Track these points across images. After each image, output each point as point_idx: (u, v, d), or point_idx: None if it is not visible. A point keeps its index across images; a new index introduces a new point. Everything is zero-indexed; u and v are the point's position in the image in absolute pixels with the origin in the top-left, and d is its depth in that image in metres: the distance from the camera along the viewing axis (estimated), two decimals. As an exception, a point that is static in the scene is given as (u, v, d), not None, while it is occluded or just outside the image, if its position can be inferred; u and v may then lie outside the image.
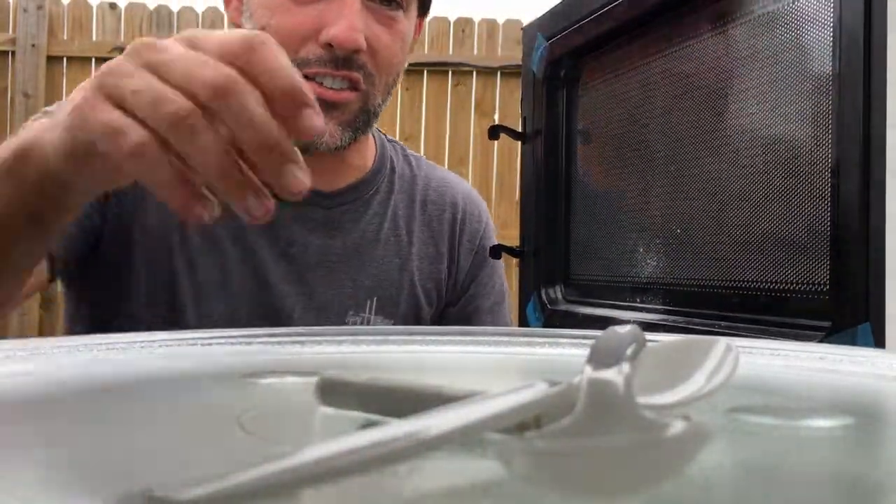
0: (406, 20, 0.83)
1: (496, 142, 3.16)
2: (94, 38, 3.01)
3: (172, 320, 0.82)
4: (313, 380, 0.34)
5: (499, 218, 3.12)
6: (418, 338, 0.48)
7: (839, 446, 0.26)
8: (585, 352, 0.45)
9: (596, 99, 0.86)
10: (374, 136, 0.94)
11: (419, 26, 0.91)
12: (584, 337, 0.48)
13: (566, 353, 0.46)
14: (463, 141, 3.12)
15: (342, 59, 0.78)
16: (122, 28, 3.03)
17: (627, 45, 0.78)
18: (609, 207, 0.83)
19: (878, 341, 0.45)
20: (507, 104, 3.14)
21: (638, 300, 0.75)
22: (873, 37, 0.47)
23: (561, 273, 0.89)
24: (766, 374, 0.39)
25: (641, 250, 0.76)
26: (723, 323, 0.61)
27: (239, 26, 0.84)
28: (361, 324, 0.87)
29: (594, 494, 0.19)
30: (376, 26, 0.79)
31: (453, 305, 0.95)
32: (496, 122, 3.14)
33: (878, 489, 0.21)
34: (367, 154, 0.92)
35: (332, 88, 0.78)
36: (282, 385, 0.34)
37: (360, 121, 0.82)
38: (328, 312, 0.85)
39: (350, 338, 0.47)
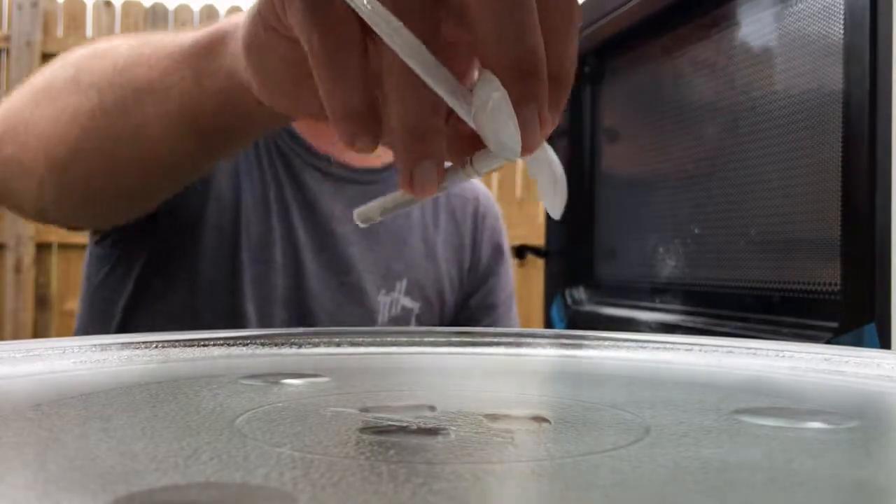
0: None
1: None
2: (89, 35, 3.01)
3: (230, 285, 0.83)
4: (313, 380, 0.34)
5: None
6: (417, 338, 0.48)
7: (844, 448, 0.25)
8: (585, 352, 0.45)
9: (620, 97, 0.86)
10: None
11: None
12: (585, 338, 0.47)
13: (566, 353, 0.46)
14: (460, 140, 3.12)
15: None
16: (117, 25, 3.03)
17: (651, 41, 0.78)
18: (632, 207, 0.83)
19: (884, 342, 0.45)
20: (504, 103, 3.14)
21: (658, 301, 0.75)
22: (879, 37, 0.47)
23: (585, 274, 0.89)
24: (770, 375, 0.38)
25: (662, 251, 0.76)
26: (738, 323, 0.61)
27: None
28: (391, 304, 0.90)
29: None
30: None
31: (473, 296, 0.98)
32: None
33: (884, 492, 0.21)
34: None
35: None
36: (280, 387, 0.34)
37: None
38: (361, 291, 0.88)
39: (349, 339, 0.47)
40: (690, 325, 0.68)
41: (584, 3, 0.86)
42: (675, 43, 0.74)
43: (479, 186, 1.02)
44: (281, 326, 0.83)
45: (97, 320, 0.89)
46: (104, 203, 0.73)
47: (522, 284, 3.09)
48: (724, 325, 0.63)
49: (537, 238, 3.49)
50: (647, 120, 0.80)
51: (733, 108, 0.66)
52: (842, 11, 0.51)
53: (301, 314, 0.85)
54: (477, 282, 0.99)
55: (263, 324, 0.82)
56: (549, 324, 0.93)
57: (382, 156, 0.92)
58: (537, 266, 3.12)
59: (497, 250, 1.01)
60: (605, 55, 0.86)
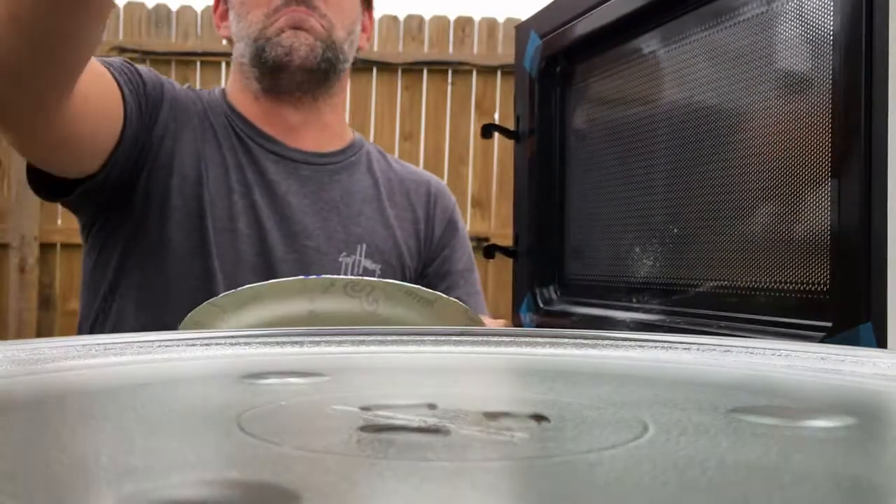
0: None
1: (496, 142, 3.16)
2: (93, 37, 3.01)
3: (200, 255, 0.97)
4: (314, 379, 0.34)
5: (499, 217, 3.12)
6: (419, 338, 0.48)
7: (841, 447, 0.25)
8: (584, 351, 0.46)
9: (590, 97, 0.85)
10: (351, 130, 1.15)
11: (369, 19, 1.13)
12: (584, 337, 0.47)
13: (566, 352, 0.46)
14: (463, 140, 3.12)
15: (300, 1, 1.00)
16: (120, 27, 3.03)
17: (622, 42, 0.78)
18: (604, 206, 0.83)
19: (880, 341, 0.45)
20: (507, 103, 3.14)
21: (634, 300, 0.75)
22: (874, 36, 0.47)
23: (555, 273, 0.89)
24: (767, 374, 0.38)
25: (638, 250, 0.76)
26: (722, 323, 0.61)
27: (228, 36, 1.08)
28: (353, 265, 1.03)
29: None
30: None
31: (430, 265, 1.13)
32: (493, 122, 3.14)
33: (880, 490, 0.21)
34: (345, 132, 1.12)
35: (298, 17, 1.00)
36: (282, 385, 0.34)
37: (329, 44, 1.02)
38: (322, 253, 1.02)
39: (350, 338, 0.47)
40: (670, 324, 0.67)
41: (554, 3, 0.86)
42: (646, 42, 0.74)
43: (431, 176, 1.18)
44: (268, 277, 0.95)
45: (90, 308, 1.02)
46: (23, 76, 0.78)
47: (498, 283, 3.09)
48: (707, 325, 0.63)
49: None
50: (618, 119, 0.80)
51: (712, 106, 0.66)
52: (831, 4, 0.51)
53: (268, 278, 0.94)
54: (433, 252, 1.13)
55: (232, 285, 0.92)
56: (518, 323, 0.93)
57: (334, 142, 1.09)
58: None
59: (451, 225, 1.15)
60: (575, 55, 0.85)
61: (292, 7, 1.00)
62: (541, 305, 0.89)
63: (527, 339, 0.48)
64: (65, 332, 2.99)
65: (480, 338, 0.48)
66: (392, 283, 0.70)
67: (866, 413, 0.31)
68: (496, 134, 0.97)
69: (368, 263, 1.04)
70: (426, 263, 1.12)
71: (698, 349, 0.43)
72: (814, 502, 0.19)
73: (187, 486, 0.19)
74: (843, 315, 0.48)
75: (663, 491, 0.20)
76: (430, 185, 1.15)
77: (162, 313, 0.96)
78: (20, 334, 2.91)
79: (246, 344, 0.44)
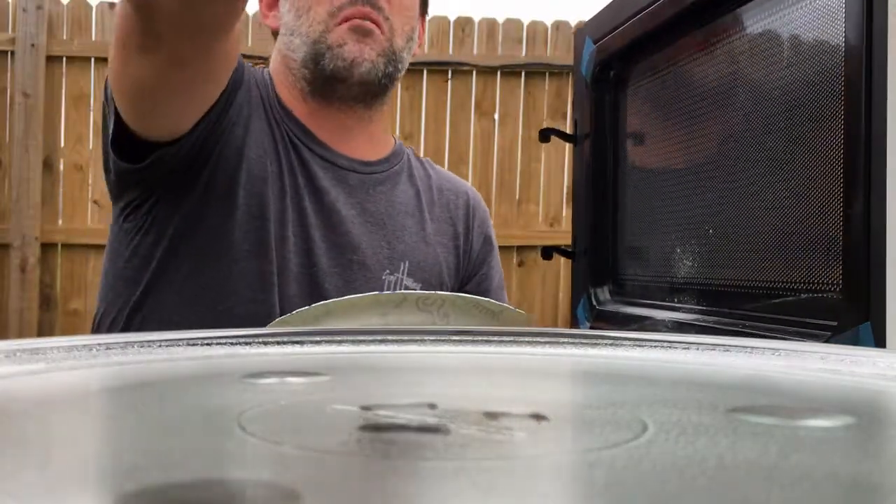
0: None
1: (496, 142, 3.16)
2: (93, 37, 3.01)
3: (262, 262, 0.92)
4: (315, 379, 0.34)
5: (499, 217, 3.12)
6: (418, 337, 0.48)
7: (840, 446, 0.25)
8: (584, 351, 0.46)
9: (642, 100, 0.86)
10: (391, 136, 1.10)
11: (422, 26, 1.08)
12: (584, 337, 0.48)
13: (566, 352, 0.46)
14: (463, 140, 3.12)
15: (365, 1, 0.95)
16: (121, 27, 3.03)
17: (672, 44, 0.79)
18: (651, 208, 0.84)
19: (879, 341, 0.45)
20: (507, 103, 3.14)
21: (675, 300, 0.76)
22: (874, 44, 0.47)
23: (609, 273, 0.90)
24: (767, 373, 0.39)
25: (679, 251, 0.76)
26: (747, 322, 0.62)
27: (276, 27, 1.02)
28: (396, 283, 0.99)
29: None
30: None
31: (468, 283, 1.08)
32: (494, 122, 3.14)
33: (879, 489, 0.21)
34: (388, 138, 1.07)
35: (364, 22, 0.95)
36: (282, 385, 0.34)
37: (390, 57, 0.97)
38: (367, 269, 0.97)
39: (350, 338, 0.47)
40: (702, 323, 0.68)
41: (608, 7, 0.86)
42: (695, 43, 0.75)
43: (466, 183, 1.13)
44: (293, 301, 0.91)
45: (118, 297, 0.94)
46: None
47: (526, 285, 3.09)
48: (734, 325, 0.63)
49: (537, 238, 3.46)
50: (665, 122, 0.80)
51: (744, 112, 0.67)
52: (842, 12, 0.51)
53: (311, 291, 0.92)
54: (471, 269, 1.08)
55: (280, 295, 0.90)
56: (574, 323, 0.94)
57: (379, 150, 1.04)
58: (537, 266, 3.12)
59: (487, 241, 1.11)
60: (628, 58, 0.86)
61: (357, 6, 0.94)
62: (595, 305, 0.90)
63: (527, 339, 0.48)
64: (66, 332, 2.99)
65: (480, 338, 0.48)
66: (461, 295, 0.71)
67: (866, 413, 0.31)
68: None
69: (410, 282, 1.00)
70: (464, 281, 1.08)
71: (698, 349, 0.43)
72: (813, 502, 0.19)
73: (187, 486, 0.19)
74: (847, 315, 0.48)
75: (663, 491, 0.20)
76: (468, 196, 1.10)
77: (208, 312, 0.90)
78: (21, 334, 2.91)
79: (246, 344, 0.44)
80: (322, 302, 0.67)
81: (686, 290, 0.74)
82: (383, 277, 0.98)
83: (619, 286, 0.89)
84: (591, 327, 0.88)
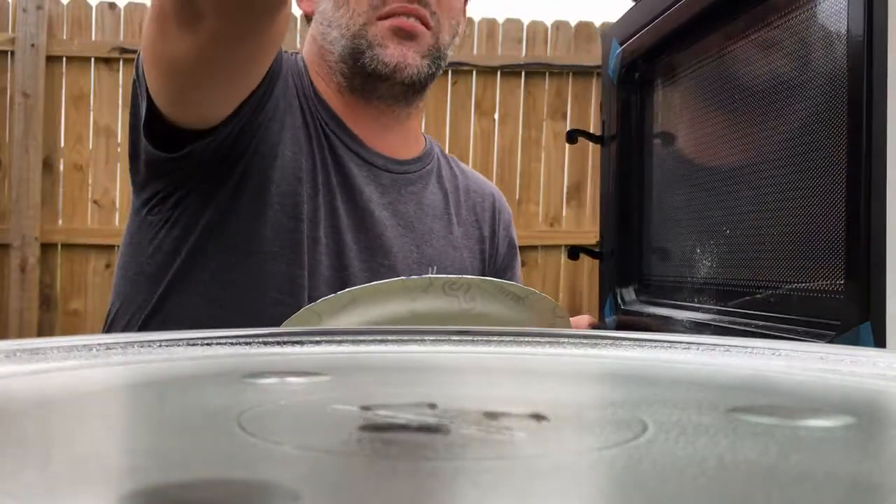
0: None
1: (496, 142, 3.16)
2: (93, 37, 3.01)
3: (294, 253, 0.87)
4: (315, 378, 0.34)
5: (498, 217, 3.12)
6: (418, 337, 0.48)
7: (840, 446, 0.25)
8: (584, 351, 0.45)
9: (667, 101, 0.87)
10: (423, 134, 1.06)
11: (464, 15, 1.02)
12: (585, 336, 0.48)
13: (566, 352, 0.46)
14: (463, 140, 3.12)
15: None
16: (121, 28, 3.03)
17: (697, 43, 0.79)
18: (675, 209, 0.84)
19: (879, 341, 0.45)
20: (507, 103, 3.14)
21: (695, 300, 0.77)
22: (874, 44, 0.47)
23: (635, 274, 0.90)
24: (767, 374, 0.39)
25: (699, 251, 0.77)
26: (760, 323, 0.62)
27: (311, 11, 0.96)
28: None
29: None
30: None
31: None
32: (494, 121, 3.14)
33: (879, 489, 0.21)
34: (420, 137, 1.04)
35: (408, 21, 0.90)
36: (282, 385, 0.34)
37: (435, 56, 0.93)
38: (397, 274, 0.92)
39: (350, 338, 0.47)
40: (717, 323, 0.68)
41: (633, 9, 0.87)
42: (720, 42, 0.75)
43: (490, 184, 1.10)
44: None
45: (138, 294, 0.89)
46: None
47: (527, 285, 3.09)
48: (748, 325, 0.64)
49: (537, 238, 3.45)
50: (694, 122, 0.81)
51: (760, 114, 0.67)
52: (844, 9, 0.51)
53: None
54: (496, 274, 1.04)
55: (310, 298, 0.85)
56: (602, 324, 0.95)
57: (412, 149, 1.00)
58: (538, 266, 3.12)
59: (511, 245, 1.08)
60: (653, 59, 0.87)
61: (402, 3, 0.89)
62: (621, 305, 0.90)
63: (527, 339, 0.48)
64: (66, 332, 2.99)
65: (480, 337, 0.48)
66: (487, 280, 0.70)
67: (865, 413, 0.31)
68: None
69: None
70: None
71: (698, 349, 0.43)
72: (813, 502, 0.19)
73: (187, 486, 0.19)
74: (849, 315, 0.48)
75: (663, 490, 0.20)
76: (494, 198, 1.08)
77: (235, 314, 0.85)
78: (21, 334, 2.91)
79: (246, 344, 0.44)
80: (348, 289, 0.67)
81: (705, 290, 0.75)
82: None
83: (645, 287, 0.89)
84: (617, 327, 0.89)
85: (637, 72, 0.89)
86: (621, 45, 0.88)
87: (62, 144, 2.99)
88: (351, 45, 0.90)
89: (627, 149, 0.90)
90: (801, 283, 0.58)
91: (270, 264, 0.86)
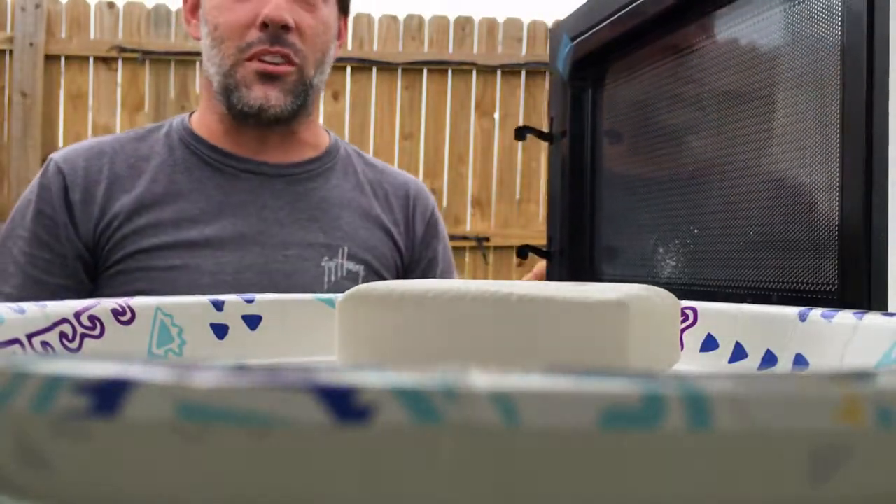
0: (326, 8, 1.04)
1: (496, 142, 3.15)
2: (92, 36, 3.01)
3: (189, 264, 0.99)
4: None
5: (499, 217, 3.12)
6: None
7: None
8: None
9: (620, 99, 0.85)
10: (328, 133, 1.14)
11: (344, 25, 1.12)
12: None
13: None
14: (463, 140, 3.12)
15: (276, 37, 0.98)
16: (120, 27, 3.03)
17: (651, 44, 0.78)
18: (631, 207, 0.83)
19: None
20: (507, 103, 3.14)
21: None
22: (875, 39, 0.47)
23: (587, 274, 0.89)
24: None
25: (661, 251, 0.75)
26: None
27: (198, 37, 1.07)
28: (336, 269, 1.04)
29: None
30: (301, 11, 1.01)
31: (415, 270, 1.13)
32: (494, 121, 3.14)
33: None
34: (320, 139, 1.11)
35: (272, 63, 0.99)
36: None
37: (300, 90, 1.02)
38: (304, 261, 1.01)
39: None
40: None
41: (585, 5, 0.86)
42: (674, 44, 0.74)
43: (410, 176, 1.18)
44: (252, 291, 0.96)
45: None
46: None
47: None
48: None
49: (537, 238, 3.48)
50: (646, 121, 0.80)
51: (731, 109, 0.66)
52: (839, 12, 0.51)
53: (264, 285, 0.98)
54: (416, 254, 1.13)
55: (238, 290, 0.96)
56: None
57: (308, 151, 1.09)
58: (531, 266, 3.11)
59: (431, 227, 1.15)
60: (605, 57, 0.85)
61: (265, 45, 0.98)
62: None
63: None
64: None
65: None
66: None
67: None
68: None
69: (351, 265, 1.04)
70: (409, 267, 1.12)
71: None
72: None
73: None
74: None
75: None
76: (408, 186, 1.15)
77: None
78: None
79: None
80: None
81: (671, 290, 0.74)
82: (322, 264, 1.03)
83: (597, 288, 0.88)
84: None
85: (589, 68, 0.87)
86: (573, 40, 0.87)
87: (61, 144, 2.99)
88: (223, 82, 1.01)
89: (578, 146, 0.88)
90: (793, 283, 0.57)
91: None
